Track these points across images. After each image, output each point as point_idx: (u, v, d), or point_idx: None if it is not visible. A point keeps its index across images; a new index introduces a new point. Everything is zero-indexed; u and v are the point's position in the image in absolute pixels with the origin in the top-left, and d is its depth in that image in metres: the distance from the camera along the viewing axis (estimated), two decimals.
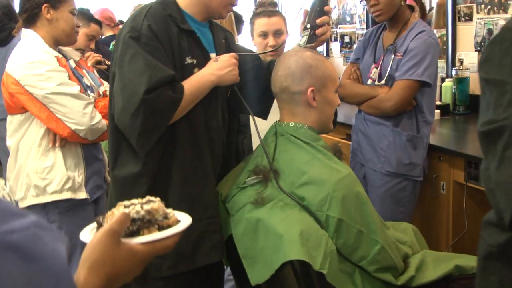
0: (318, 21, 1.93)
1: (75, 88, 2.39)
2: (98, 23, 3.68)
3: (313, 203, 1.71)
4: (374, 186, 2.73)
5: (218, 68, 1.84)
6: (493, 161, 0.95)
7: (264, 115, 2.15)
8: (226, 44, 2.02)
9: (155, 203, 1.01)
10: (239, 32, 4.94)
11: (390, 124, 2.65)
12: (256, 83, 2.06)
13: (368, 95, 2.69)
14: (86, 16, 3.57)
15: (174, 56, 1.77)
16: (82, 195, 2.50)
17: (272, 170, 1.80)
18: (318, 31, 1.94)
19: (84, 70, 2.63)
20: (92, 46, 3.58)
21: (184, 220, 1.04)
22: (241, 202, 1.82)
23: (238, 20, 4.93)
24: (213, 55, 1.91)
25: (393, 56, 2.63)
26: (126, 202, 1.02)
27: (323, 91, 1.87)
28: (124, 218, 0.92)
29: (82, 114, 2.37)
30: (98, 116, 2.43)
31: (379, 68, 2.69)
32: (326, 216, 1.69)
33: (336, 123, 2.49)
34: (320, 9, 1.95)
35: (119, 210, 0.99)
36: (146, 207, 0.99)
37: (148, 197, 1.04)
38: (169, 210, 1.04)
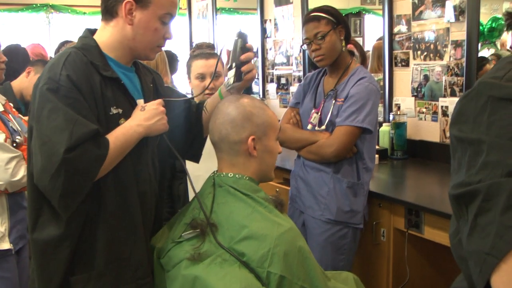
0: (242, 57, 1.89)
1: (0, 137, 2.28)
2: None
3: (253, 259, 1.64)
4: (314, 234, 2.69)
5: (145, 118, 1.74)
6: (464, 226, 0.90)
7: (196, 159, 2.11)
8: (154, 88, 1.93)
9: None
10: (174, 70, 4.89)
11: (330, 170, 2.63)
12: (186, 127, 2.00)
13: (308, 141, 2.67)
14: None
15: (98, 107, 1.66)
16: (5, 245, 2.37)
17: (209, 224, 1.72)
18: (244, 68, 1.90)
19: (10, 115, 2.50)
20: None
21: None
22: (177, 258, 1.72)
23: (173, 58, 4.89)
24: (140, 101, 1.82)
25: (333, 101, 2.63)
26: None
27: (264, 139, 1.81)
28: None
29: (4, 169, 2.27)
30: (21, 172, 2.32)
31: (319, 113, 2.67)
32: (267, 272, 1.62)
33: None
34: (242, 46, 1.91)
35: None
36: None
37: None
38: None
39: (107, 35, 1.76)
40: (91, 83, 1.64)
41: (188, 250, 1.71)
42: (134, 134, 1.71)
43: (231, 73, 1.91)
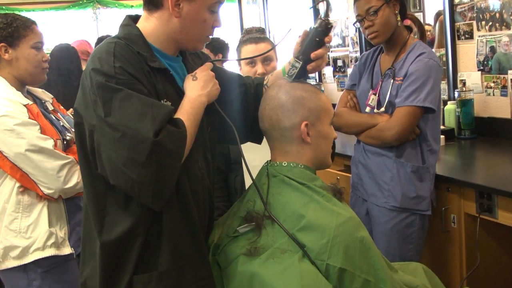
0: (313, 55, 1.79)
1: (49, 143, 2.29)
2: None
3: (312, 250, 1.62)
4: (378, 223, 2.64)
5: (202, 86, 1.72)
6: None
7: (259, 141, 2.06)
8: None
9: None
10: (225, 59, 4.90)
11: (392, 155, 2.57)
12: (244, 111, 1.96)
13: (367, 124, 2.62)
14: None
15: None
16: (67, 250, 2.41)
17: (266, 216, 1.70)
18: (310, 67, 1.81)
19: (59, 114, 2.54)
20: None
21: None
22: (232, 254, 1.71)
23: (223, 46, 4.89)
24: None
25: (392, 81, 2.57)
26: None
27: (317, 124, 1.77)
28: None
29: (56, 178, 2.28)
30: (74, 179, 2.33)
31: (377, 95, 2.62)
32: (326, 265, 1.59)
33: (335, 155, 2.42)
34: (320, 39, 1.79)
35: None
36: None
37: None
38: None
39: (151, 26, 1.71)
40: (145, 75, 1.62)
41: (244, 245, 1.69)
42: (200, 105, 1.69)
43: (296, 64, 1.81)
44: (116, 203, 1.63)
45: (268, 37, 3.35)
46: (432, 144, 2.58)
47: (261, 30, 2.85)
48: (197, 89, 1.72)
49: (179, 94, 1.73)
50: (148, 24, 1.72)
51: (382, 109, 2.58)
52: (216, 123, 1.88)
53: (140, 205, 1.60)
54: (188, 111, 1.66)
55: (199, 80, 1.74)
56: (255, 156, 2.12)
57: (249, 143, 2.08)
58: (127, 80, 1.55)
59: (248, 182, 2.22)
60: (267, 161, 1.86)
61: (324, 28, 1.78)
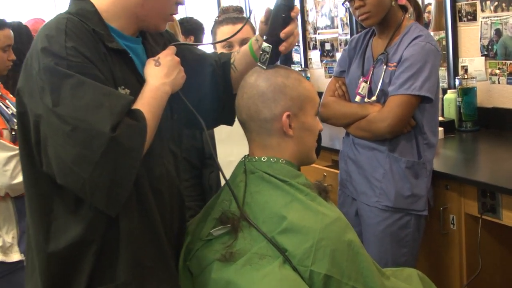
0: (282, 35, 1.76)
1: None
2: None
3: (294, 255, 1.61)
4: (369, 224, 2.66)
5: (166, 74, 1.69)
6: None
7: (230, 122, 2.06)
8: None
9: None
10: (200, 42, 4.87)
11: (385, 149, 2.58)
12: (214, 94, 1.95)
13: (357, 115, 2.62)
14: None
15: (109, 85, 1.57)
16: (15, 256, 2.38)
17: (242, 217, 1.69)
18: (283, 47, 1.79)
19: (7, 100, 2.51)
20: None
21: None
22: (205, 259, 1.70)
23: (197, 27, 4.86)
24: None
25: (384, 67, 2.57)
26: None
27: (300, 115, 1.77)
28: None
29: (1, 172, 2.24)
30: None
31: (368, 82, 2.63)
32: (310, 272, 1.59)
33: (320, 149, 2.42)
34: (286, 15, 1.77)
35: None
36: None
37: None
38: None
39: (108, 3, 1.67)
40: (101, 56, 1.57)
41: (218, 249, 1.68)
42: (163, 95, 1.66)
43: (266, 48, 1.79)
44: (64, 206, 1.58)
45: (247, 16, 3.33)
46: (429, 137, 2.59)
47: (239, 10, 2.85)
48: (160, 76, 1.69)
49: (139, 81, 1.68)
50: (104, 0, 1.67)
51: (374, 98, 2.58)
52: (182, 108, 1.84)
53: (92, 208, 1.54)
54: (149, 101, 1.62)
55: (162, 66, 1.71)
56: (232, 150, 2.12)
57: (225, 135, 2.08)
58: (81, 63, 1.50)
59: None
60: (245, 155, 1.86)
61: (287, 2, 1.77)
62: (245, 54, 1.94)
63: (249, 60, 1.91)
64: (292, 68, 1.90)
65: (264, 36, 1.81)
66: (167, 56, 1.74)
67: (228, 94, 1.96)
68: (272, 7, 1.80)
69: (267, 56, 1.79)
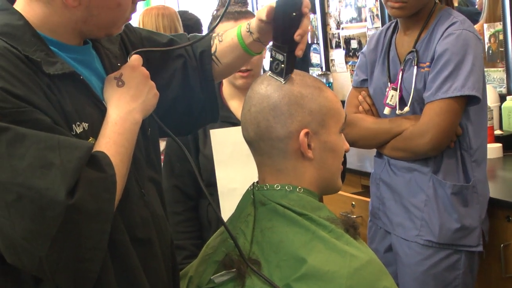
0: (297, 36, 1.75)
1: None
2: None
3: None
4: (407, 264, 2.66)
5: (133, 96, 1.62)
6: None
7: (215, 119, 2.09)
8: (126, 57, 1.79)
9: None
10: None
11: (428, 170, 2.59)
12: (189, 95, 1.96)
13: (390, 133, 2.64)
14: None
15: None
16: None
17: (251, 259, 1.69)
18: (300, 51, 1.78)
19: None
20: None
21: None
22: None
23: (196, 24, 4.89)
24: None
25: (415, 69, 2.58)
26: None
27: (322, 133, 1.76)
28: None
29: None
30: None
31: (398, 90, 2.63)
32: None
33: (346, 173, 2.41)
34: (297, 13, 1.75)
35: None
36: None
37: None
38: None
39: (39, 13, 1.57)
40: (42, 89, 1.48)
41: None
42: (132, 127, 1.59)
43: (278, 56, 1.78)
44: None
45: (252, 10, 3.34)
46: (477, 151, 2.59)
47: (243, 2, 2.84)
48: (125, 101, 1.61)
49: (99, 106, 1.62)
50: (34, 10, 1.57)
51: (407, 108, 2.59)
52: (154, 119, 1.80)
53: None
54: (115, 139, 1.55)
55: (127, 85, 1.64)
56: (235, 175, 2.10)
57: (226, 155, 2.07)
58: (15, 109, 1.40)
59: (226, 211, 2.20)
60: (253, 183, 1.86)
61: None
62: (233, 47, 1.94)
63: (239, 54, 1.92)
64: (310, 72, 1.88)
65: (272, 42, 1.80)
66: (133, 71, 1.67)
67: (208, 90, 1.97)
68: (273, 5, 1.79)
69: (282, 66, 1.77)
